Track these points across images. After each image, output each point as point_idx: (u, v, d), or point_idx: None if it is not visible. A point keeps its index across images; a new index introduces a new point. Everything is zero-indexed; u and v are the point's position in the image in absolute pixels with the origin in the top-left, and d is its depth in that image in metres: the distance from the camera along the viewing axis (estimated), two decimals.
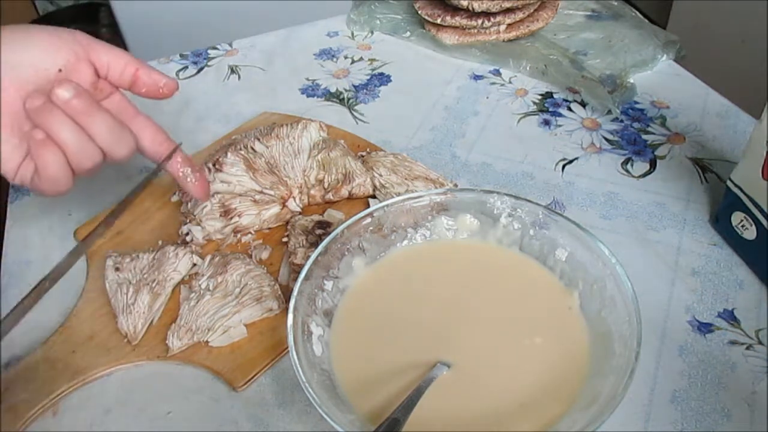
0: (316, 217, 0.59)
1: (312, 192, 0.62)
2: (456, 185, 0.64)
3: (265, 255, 0.58)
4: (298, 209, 0.61)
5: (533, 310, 0.49)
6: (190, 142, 0.72)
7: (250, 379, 0.49)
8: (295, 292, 0.46)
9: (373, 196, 0.63)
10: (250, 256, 0.57)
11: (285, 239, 0.59)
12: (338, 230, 0.50)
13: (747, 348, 0.49)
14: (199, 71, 0.84)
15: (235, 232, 0.59)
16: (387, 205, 0.52)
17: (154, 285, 0.53)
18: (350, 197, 0.62)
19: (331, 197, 0.62)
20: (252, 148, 0.63)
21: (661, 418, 0.46)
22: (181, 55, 0.87)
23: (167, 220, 0.61)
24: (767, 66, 1.49)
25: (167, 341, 0.50)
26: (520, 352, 0.47)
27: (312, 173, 0.62)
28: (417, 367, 0.45)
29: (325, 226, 0.57)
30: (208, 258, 0.56)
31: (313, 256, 0.48)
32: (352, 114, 0.75)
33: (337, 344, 0.47)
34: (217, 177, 0.60)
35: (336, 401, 0.42)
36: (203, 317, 0.51)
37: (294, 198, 0.61)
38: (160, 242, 0.58)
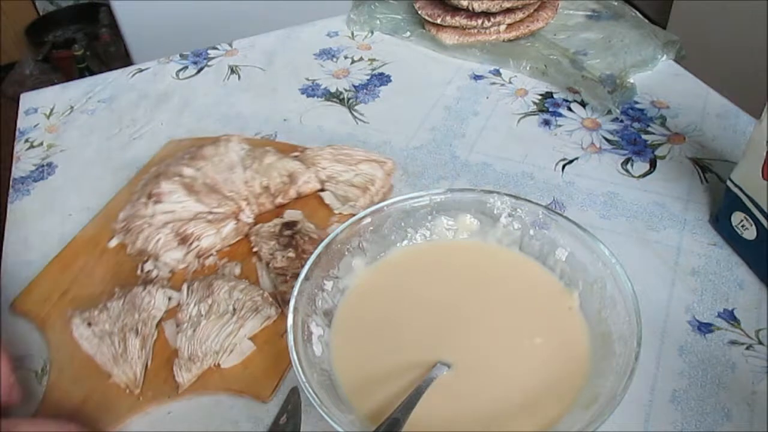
0: (279, 221, 0.59)
1: (260, 200, 0.61)
2: (392, 162, 0.64)
3: (237, 271, 0.56)
4: (251, 220, 0.60)
5: (533, 310, 0.49)
6: None
7: (276, 386, 0.48)
8: (295, 292, 0.46)
9: (323, 190, 0.63)
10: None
11: (255, 249, 0.57)
12: (338, 230, 0.50)
13: (747, 348, 0.49)
14: (199, 71, 0.84)
15: (197, 256, 0.57)
16: (387, 205, 0.52)
17: (139, 327, 0.51)
18: (299, 196, 0.62)
19: (281, 200, 0.61)
20: (182, 175, 0.60)
21: (661, 418, 0.46)
22: (181, 55, 0.87)
23: (114, 266, 0.58)
24: (767, 66, 1.49)
25: (176, 378, 0.48)
26: (520, 353, 0.47)
27: (255, 182, 0.61)
28: (417, 367, 0.45)
29: (292, 226, 0.57)
30: (185, 287, 0.53)
31: (313, 256, 0.48)
32: (352, 114, 0.75)
33: (337, 344, 0.47)
34: (158, 209, 0.58)
35: (336, 401, 0.42)
36: (208, 341, 0.49)
37: (244, 210, 0.60)
38: (116, 289, 0.55)
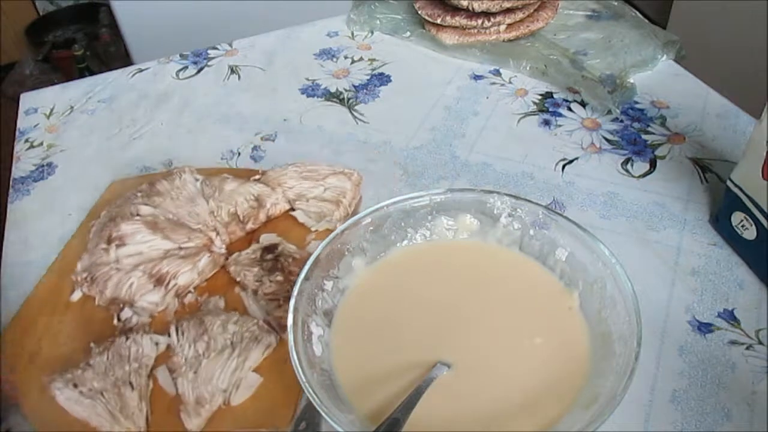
0: (257, 246, 0.57)
1: (230, 228, 0.59)
2: (358, 173, 0.63)
3: (222, 304, 0.55)
4: (223, 250, 0.58)
5: (533, 311, 0.49)
6: (190, 142, 0.72)
7: (294, 414, 0.46)
8: (295, 292, 0.46)
9: (292, 209, 0.61)
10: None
11: (238, 279, 0.56)
12: (338, 230, 0.50)
13: (747, 348, 0.49)
14: (199, 71, 0.84)
15: (176, 295, 0.55)
16: (387, 205, 0.52)
17: (133, 379, 0.48)
18: (269, 219, 0.61)
19: (252, 226, 0.60)
20: (140, 214, 0.58)
21: (661, 418, 0.46)
22: (181, 55, 0.87)
23: (82, 320, 0.54)
24: (767, 66, 1.49)
25: (185, 425, 0.46)
26: (520, 353, 0.47)
27: (221, 211, 0.59)
28: (417, 367, 0.45)
29: (273, 249, 0.56)
30: (173, 329, 0.51)
31: (314, 255, 0.48)
32: (352, 114, 0.75)
33: (337, 344, 0.47)
34: (122, 252, 0.55)
35: (336, 401, 0.42)
36: (213, 381, 0.48)
37: (214, 242, 0.58)
38: (92, 345, 0.51)
